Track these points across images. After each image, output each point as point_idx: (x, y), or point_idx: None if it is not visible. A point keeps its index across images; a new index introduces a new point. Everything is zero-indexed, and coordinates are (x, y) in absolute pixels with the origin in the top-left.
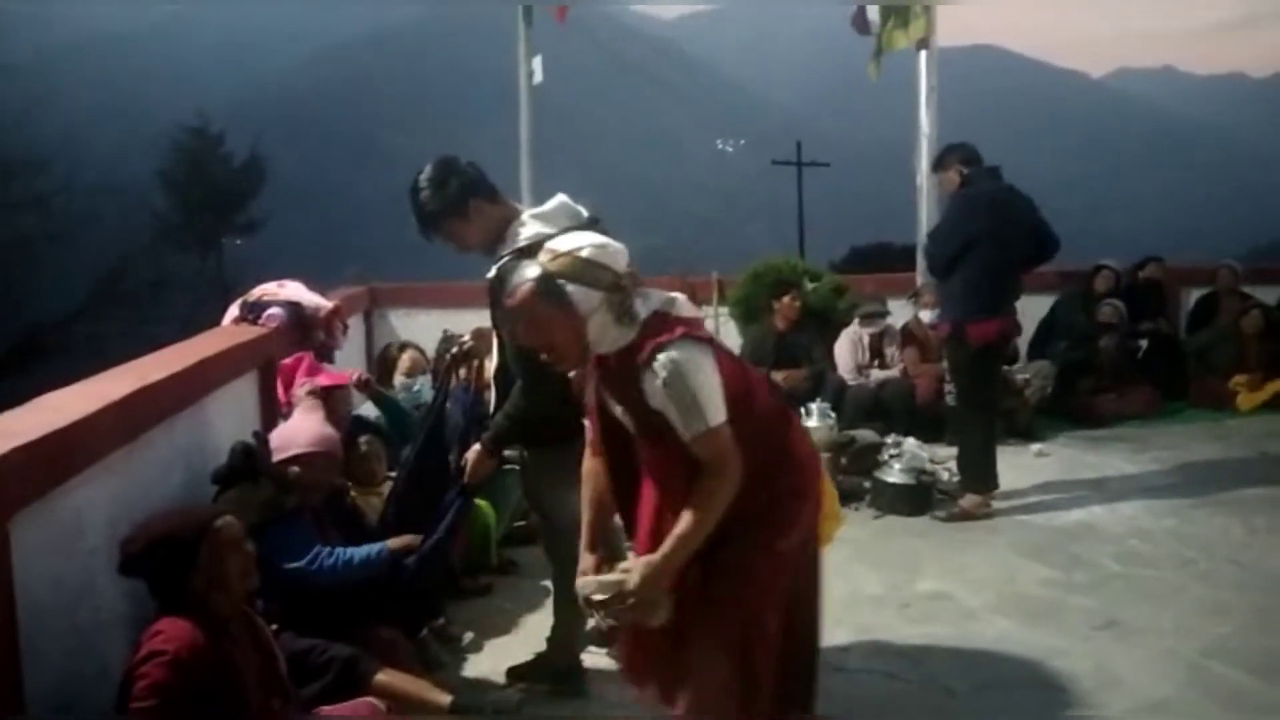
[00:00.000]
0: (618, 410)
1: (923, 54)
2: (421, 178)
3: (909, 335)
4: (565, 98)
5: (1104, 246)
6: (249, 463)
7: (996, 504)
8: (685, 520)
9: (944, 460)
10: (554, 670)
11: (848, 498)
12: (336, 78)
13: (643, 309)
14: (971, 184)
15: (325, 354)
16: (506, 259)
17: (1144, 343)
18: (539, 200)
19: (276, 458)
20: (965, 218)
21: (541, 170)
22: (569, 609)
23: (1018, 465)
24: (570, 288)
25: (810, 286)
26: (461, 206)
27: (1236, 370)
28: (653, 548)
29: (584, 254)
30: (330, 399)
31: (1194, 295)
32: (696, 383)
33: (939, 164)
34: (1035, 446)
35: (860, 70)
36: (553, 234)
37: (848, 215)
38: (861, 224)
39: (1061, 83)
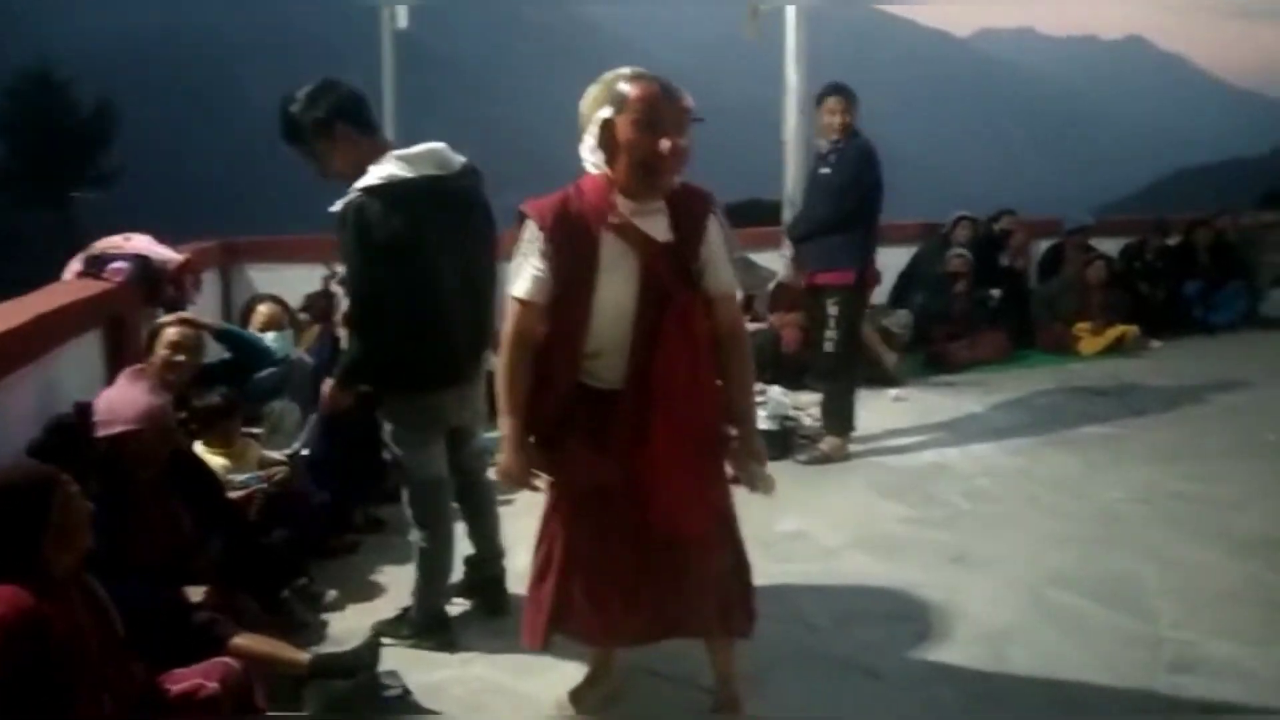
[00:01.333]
0: (635, 260)
1: (790, 10)
2: (298, 90)
3: (780, 288)
4: (441, 48)
5: (965, 199)
6: (63, 438)
7: (855, 447)
8: (746, 389)
9: (805, 406)
10: (419, 625)
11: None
12: (190, 24)
13: None
14: (857, 133)
15: (176, 309)
16: (352, 195)
17: (995, 292)
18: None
19: (100, 433)
20: (866, 168)
21: (414, 121)
22: (433, 562)
23: (876, 409)
24: None
25: None
26: (327, 127)
27: (1080, 318)
28: (689, 413)
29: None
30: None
31: (1043, 246)
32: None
33: (828, 96)
34: (893, 392)
35: (733, 25)
36: (409, 177)
37: (720, 170)
38: (734, 179)
39: (928, 42)
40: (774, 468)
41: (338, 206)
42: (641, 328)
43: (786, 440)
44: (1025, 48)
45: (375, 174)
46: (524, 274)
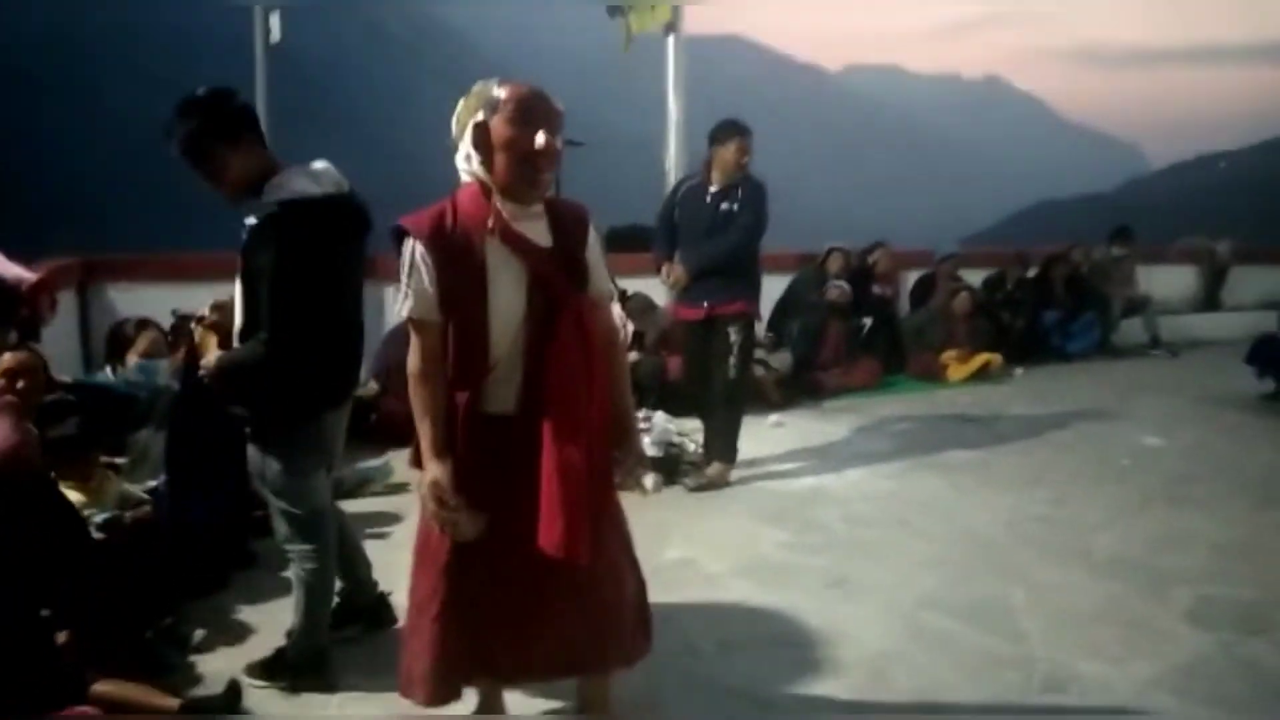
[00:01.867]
0: (520, 266)
1: (670, 40)
2: (200, 91)
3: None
4: (315, 66)
5: (837, 231)
6: None
7: (736, 473)
8: (626, 392)
9: (689, 433)
10: (297, 664)
11: None
12: (49, 24)
13: None
14: (749, 171)
15: (31, 331)
16: (268, 208)
17: (867, 321)
18: None
19: None
20: (764, 205)
21: (289, 134)
22: (318, 595)
23: (756, 436)
24: None
25: None
26: (235, 133)
27: (947, 346)
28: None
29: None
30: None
31: (913, 277)
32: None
33: (719, 139)
34: (772, 418)
35: (616, 52)
36: (317, 195)
37: (602, 196)
38: (615, 206)
39: (801, 77)
40: (662, 494)
41: (252, 220)
42: (534, 337)
43: (672, 467)
44: (892, 84)
45: (288, 188)
46: (413, 293)
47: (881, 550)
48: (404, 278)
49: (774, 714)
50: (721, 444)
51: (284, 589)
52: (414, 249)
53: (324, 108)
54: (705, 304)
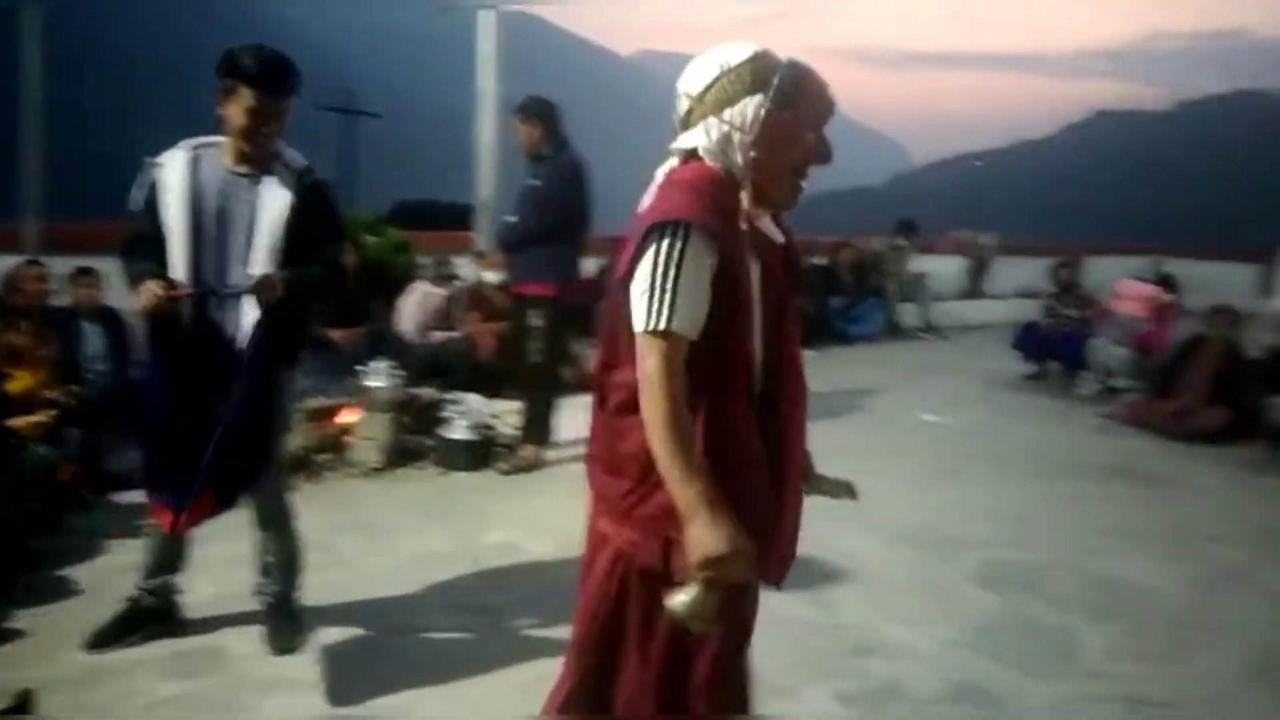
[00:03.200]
0: (757, 264)
1: (480, 14)
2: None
3: (474, 296)
4: (91, 29)
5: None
6: None
7: (556, 454)
8: None
9: (502, 415)
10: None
11: (412, 456)
12: None
13: None
14: (565, 149)
15: None
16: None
17: None
18: None
19: None
20: (572, 183)
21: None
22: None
23: (571, 416)
24: None
25: (369, 241)
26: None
27: None
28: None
29: None
30: None
31: None
32: None
33: (528, 113)
34: (585, 398)
35: (419, 25)
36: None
37: (397, 169)
38: (410, 179)
39: (594, 59)
40: (476, 478)
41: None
42: (767, 340)
43: (486, 450)
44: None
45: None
46: (684, 299)
47: None
48: (664, 280)
49: None
50: (533, 426)
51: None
52: (701, 244)
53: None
54: (512, 283)
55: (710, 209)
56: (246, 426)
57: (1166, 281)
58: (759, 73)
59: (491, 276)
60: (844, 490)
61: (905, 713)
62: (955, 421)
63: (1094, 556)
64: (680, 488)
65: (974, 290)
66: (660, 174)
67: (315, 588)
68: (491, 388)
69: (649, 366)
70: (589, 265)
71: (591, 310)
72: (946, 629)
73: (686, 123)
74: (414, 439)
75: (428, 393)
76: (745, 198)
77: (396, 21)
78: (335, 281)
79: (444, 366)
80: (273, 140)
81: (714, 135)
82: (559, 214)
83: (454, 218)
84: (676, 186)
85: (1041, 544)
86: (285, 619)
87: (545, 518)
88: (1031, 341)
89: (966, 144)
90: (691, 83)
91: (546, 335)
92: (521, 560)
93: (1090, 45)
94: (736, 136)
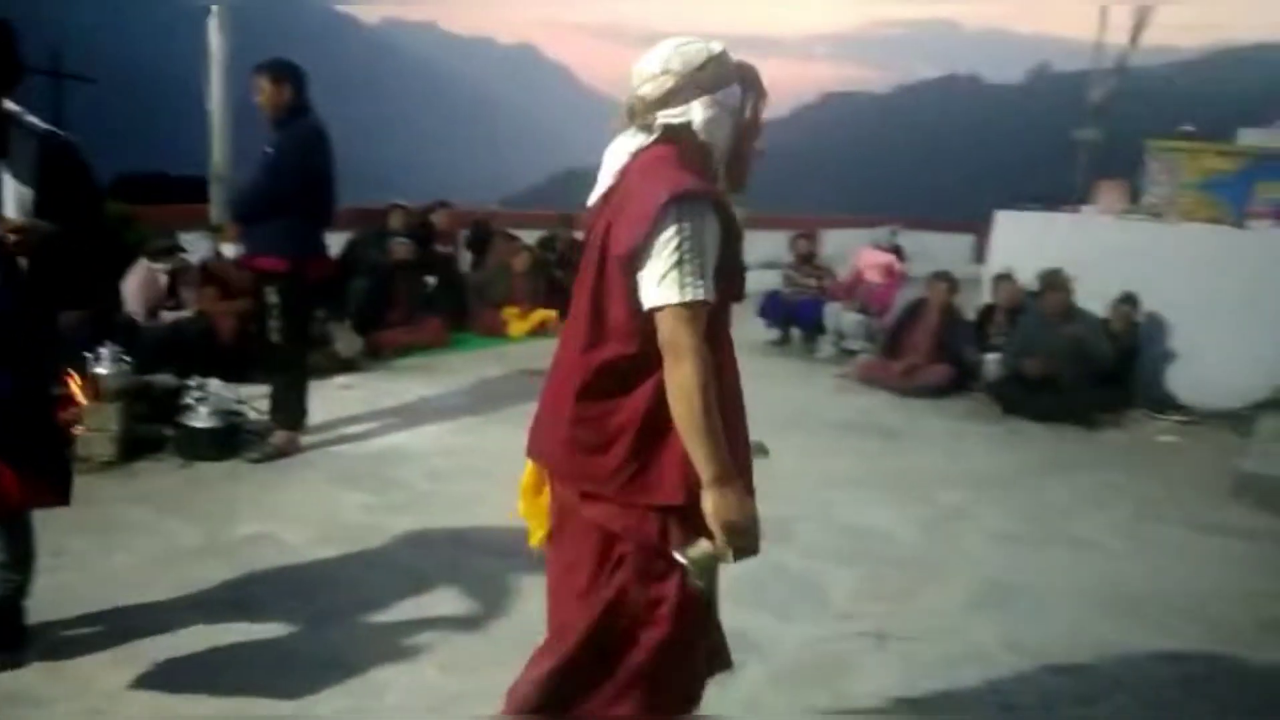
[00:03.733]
0: None
1: None
2: None
3: (208, 272)
4: None
5: (386, 186)
6: None
7: (308, 438)
8: None
9: (249, 399)
10: None
11: (149, 447)
12: None
13: None
14: (308, 115)
15: None
16: None
17: (432, 278)
18: None
19: None
20: (312, 151)
21: None
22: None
23: (325, 399)
24: None
25: None
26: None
27: (508, 302)
28: None
29: None
30: None
31: (465, 235)
32: None
33: (277, 72)
34: (340, 379)
35: None
36: None
37: (117, 139)
38: (133, 151)
39: (333, 23)
40: (223, 468)
41: None
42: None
43: (233, 437)
44: (430, 42)
45: None
46: (707, 269)
47: (467, 503)
48: (690, 253)
49: (373, 684)
50: (283, 410)
51: None
52: (709, 218)
53: None
54: (245, 256)
55: (708, 182)
56: None
57: (897, 251)
58: (733, 64)
59: (230, 250)
60: (758, 450)
61: None
62: None
63: (838, 506)
64: (710, 455)
65: None
66: (628, 148)
67: (46, 592)
68: (235, 371)
69: (681, 338)
70: (334, 239)
71: (335, 286)
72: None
73: (667, 100)
74: (151, 428)
75: (164, 379)
76: (719, 175)
77: None
78: (91, 246)
79: (181, 349)
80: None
81: (708, 113)
82: (296, 183)
83: (186, 190)
84: (671, 163)
85: (790, 497)
86: (7, 626)
87: (300, 505)
88: (774, 309)
89: None
90: (676, 61)
91: (284, 313)
92: (276, 549)
93: (819, 30)
94: (726, 118)
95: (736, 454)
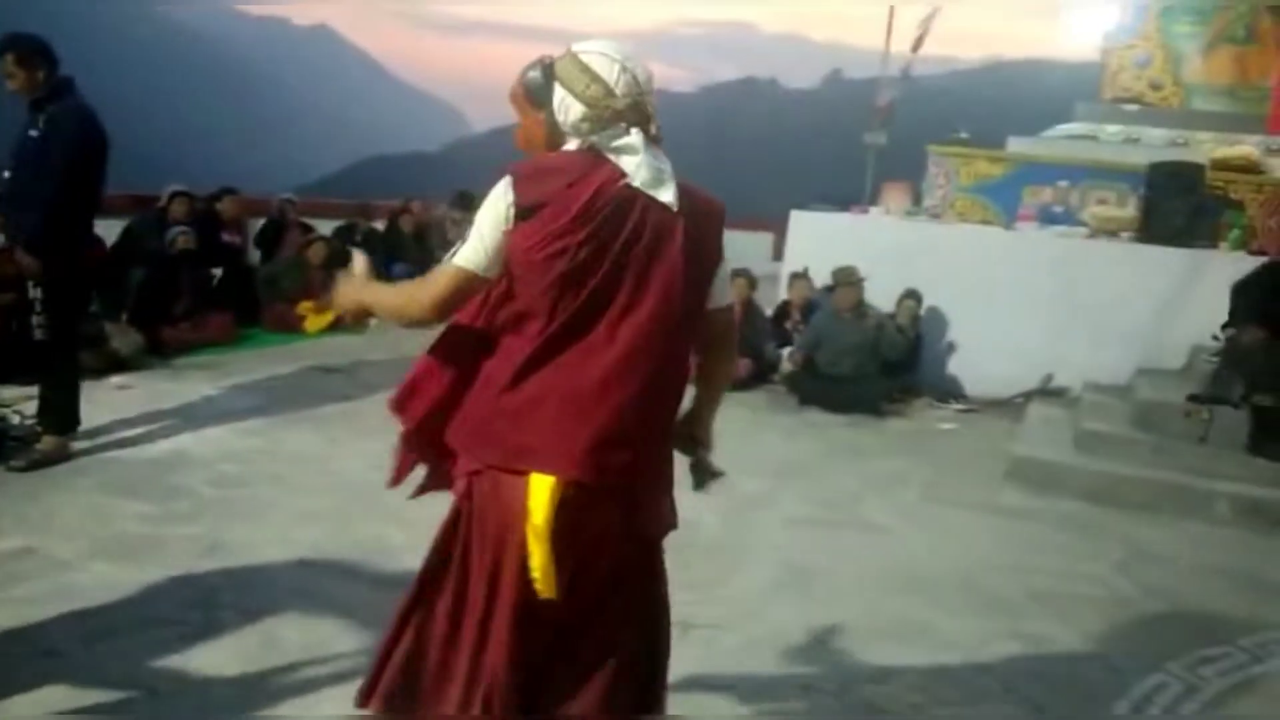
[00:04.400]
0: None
1: None
2: None
3: None
4: None
5: (168, 171)
6: None
7: (80, 444)
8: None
9: (11, 402)
10: None
11: None
12: None
13: None
14: (67, 93)
15: None
16: None
17: (217, 271)
18: None
19: None
20: (81, 133)
21: None
22: None
23: (99, 400)
24: None
25: None
26: None
27: (303, 296)
28: None
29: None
30: None
31: (257, 225)
32: None
33: (27, 50)
34: (115, 379)
35: None
36: None
37: None
38: None
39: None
40: None
41: None
42: None
43: None
44: (217, 19)
45: None
46: None
47: (256, 510)
48: None
49: (163, 698)
50: (51, 414)
51: None
52: None
53: None
54: (5, 246)
55: None
56: None
57: None
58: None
59: None
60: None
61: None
62: None
63: None
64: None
65: None
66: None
67: None
68: None
69: (735, 330)
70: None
71: (109, 278)
72: None
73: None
74: None
75: None
76: None
77: None
78: None
79: None
80: None
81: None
82: (63, 168)
83: None
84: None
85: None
86: None
87: (71, 516)
88: None
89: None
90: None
91: (50, 308)
92: (44, 565)
93: (621, 27)
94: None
95: None
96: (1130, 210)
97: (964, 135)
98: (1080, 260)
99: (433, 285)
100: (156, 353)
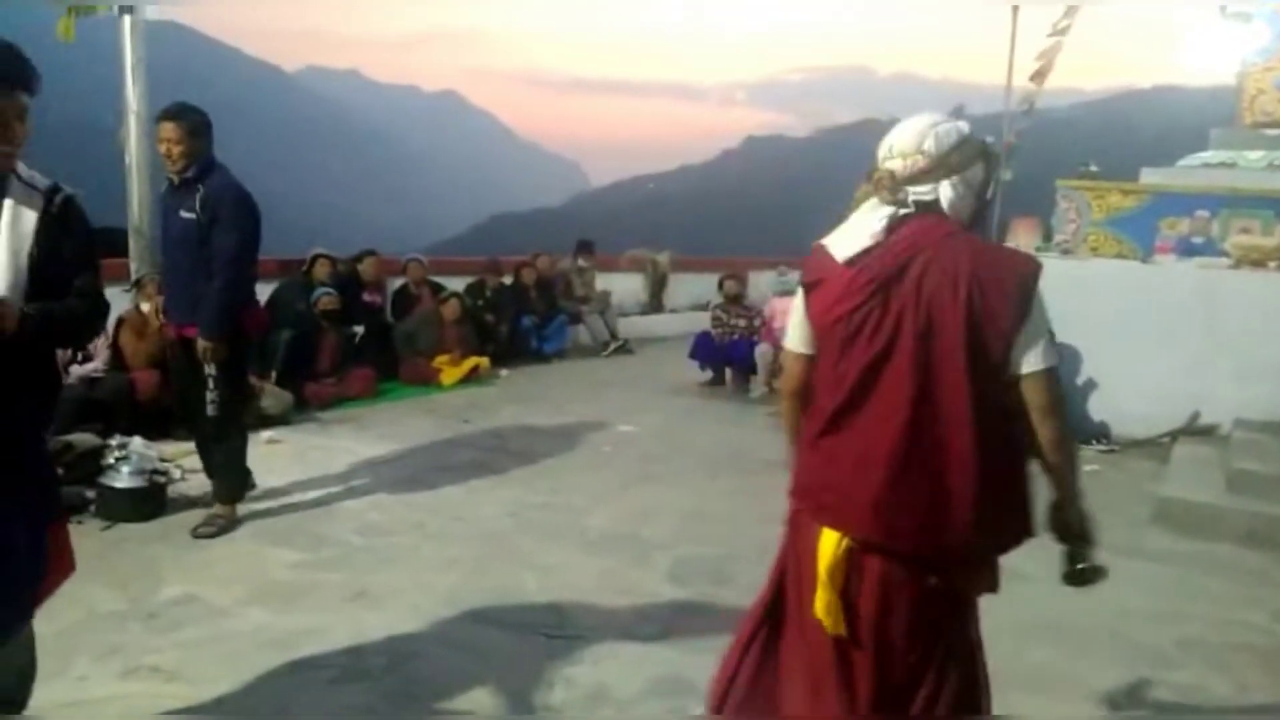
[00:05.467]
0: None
1: (126, 20)
2: None
3: (127, 326)
4: None
5: (309, 235)
6: None
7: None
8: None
9: (174, 458)
10: None
11: (70, 509)
12: None
13: None
14: (216, 170)
15: None
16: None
17: (359, 329)
18: None
19: None
20: (253, 215)
21: None
22: None
23: (250, 455)
24: None
25: None
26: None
27: (438, 351)
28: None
29: None
30: None
31: (394, 285)
32: None
33: (192, 121)
34: (266, 434)
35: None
36: None
37: None
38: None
39: (254, 72)
40: (147, 528)
41: None
42: None
43: (158, 498)
44: (352, 89)
45: None
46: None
47: (399, 557)
48: (1047, 322)
49: None
50: (220, 484)
51: None
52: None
53: None
54: (175, 324)
55: None
56: None
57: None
58: (978, 144)
59: (147, 307)
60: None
61: (612, 714)
62: (645, 430)
63: (770, 545)
64: (1075, 480)
65: (654, 305)
66: (881, 214)
67: None
68: (157, 428)
69: (1052, 396)
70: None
71: (261, 343)
72: (649, 629)
73: (918, 178)
74: (71, 490)
75: (84, 438)
76: None
77: (26, 20)
78: (96, 314)
79: (99, 407)
80: (13, 148)
81: (954, 192)
82: (241, 259)
83: (104, 243)
84: (980, 240)
85: (725, 538)
86: None
87: (227, 564)
88: (705, 350)
89: (638, 167)
90: (930, 143)
91: (224, 385)
92: (203, 611)
93: (737, 77)
94: (969, 195)
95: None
96: (1276, 239)
97: (1094, 168)
98: (1224, 292)
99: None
100: (302, 408)
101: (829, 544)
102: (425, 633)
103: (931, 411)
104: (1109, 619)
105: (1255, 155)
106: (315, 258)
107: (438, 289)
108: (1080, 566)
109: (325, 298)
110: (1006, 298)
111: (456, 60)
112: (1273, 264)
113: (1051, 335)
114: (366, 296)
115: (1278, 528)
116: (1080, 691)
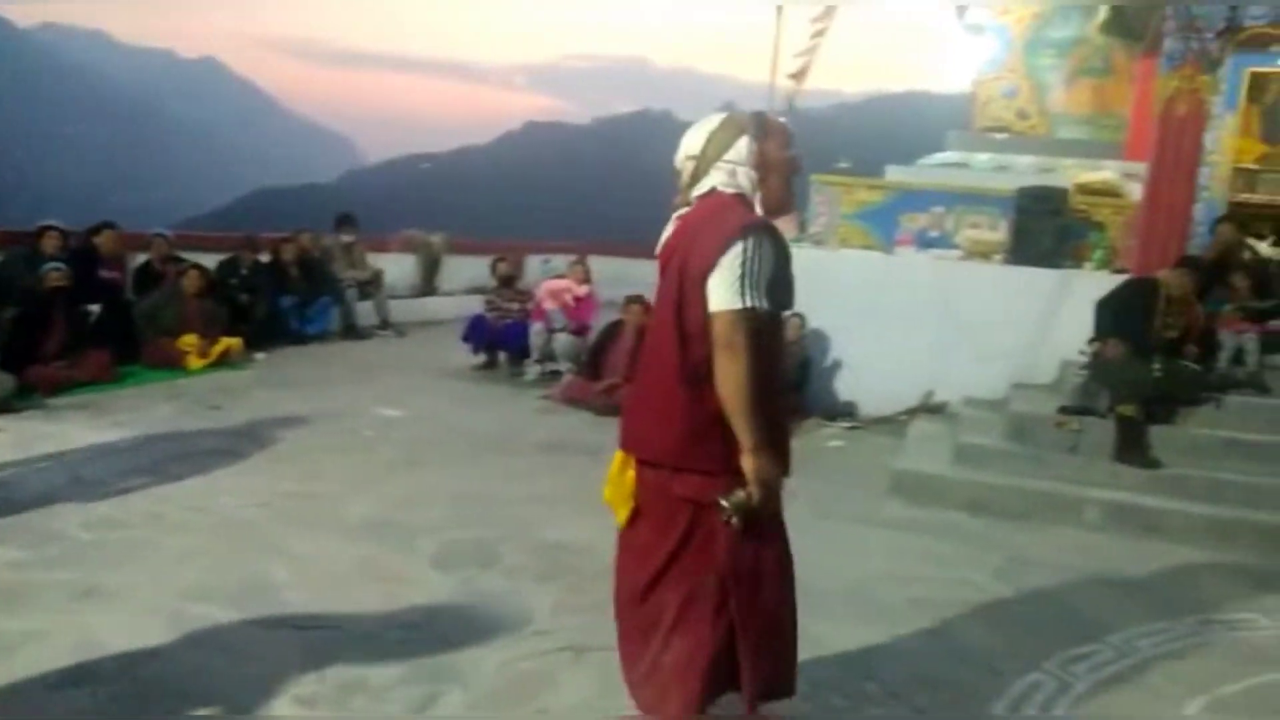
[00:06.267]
0: None
1: None
2: None
3: None
4: None
5: (43, 207)
6: None
7: None
8: None
9: None
10: None
11: None
12: None
13: None
14: None
15: None
16: None
17: (95, 307)
18: None
19: None
20: None
21: None
22: None
23: None
24: None
25: None
26: None
27: (182, 330)
28: None
29: None
30: None
31: (137, 260)
32: None
33: None
34: None
35: None
36: None
37: None
38: None
39: None
40: None
41: None
42: None
43: None
44: (97, 50)
45: None
46: (764, 283)
47: (134, 552)
48: (753, 269)
49: None
50: None
51: None
52: (767, 243)
53: None
54: None
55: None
56: None
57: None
58: (740, 124)
59: None
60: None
61: (366, 703)
62: (412, 414)
63: (539, 525)
64: (751, 429)
65: (427, 288)
66: (681, 211)
67: None
68: None
69: (737, 337)
70: None
71: None
72: (409, 615)
73: (696, 175)
74: None
75: None
76: (758, 209)
77: None
78: None
79: None
80: None
81: (720, 176)
82: None
83: None
84: (729, 208)
85: (492, 520)
86: None
87: None
88: (478, 333)
89: (415, 146)
90: (695, 147)
91: None
92: None
93: (518, 60)
94: (742, 169)
95: (775, 429)
96: (1001, 233)
97: (845, 165)
98: (956, 282)
99: (747, 337)
100: (28, 394)
101: (619, 454)
102: (163, 631)
103: (660, 343)
104: (850, 582)
105: (984, 157)
106: (43, 230)
107: (180, 263)
108: (724, 503)
109: (54, 273)
110: (708, 250)
111: (213, 25)
112: (997, 257)
113: (757, 293)
114: (104, 273)
115: (998, 496)
116: (818, 650)
